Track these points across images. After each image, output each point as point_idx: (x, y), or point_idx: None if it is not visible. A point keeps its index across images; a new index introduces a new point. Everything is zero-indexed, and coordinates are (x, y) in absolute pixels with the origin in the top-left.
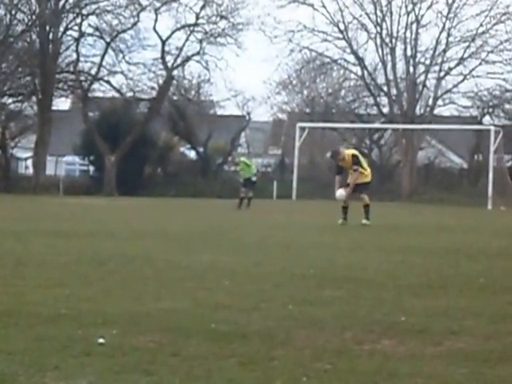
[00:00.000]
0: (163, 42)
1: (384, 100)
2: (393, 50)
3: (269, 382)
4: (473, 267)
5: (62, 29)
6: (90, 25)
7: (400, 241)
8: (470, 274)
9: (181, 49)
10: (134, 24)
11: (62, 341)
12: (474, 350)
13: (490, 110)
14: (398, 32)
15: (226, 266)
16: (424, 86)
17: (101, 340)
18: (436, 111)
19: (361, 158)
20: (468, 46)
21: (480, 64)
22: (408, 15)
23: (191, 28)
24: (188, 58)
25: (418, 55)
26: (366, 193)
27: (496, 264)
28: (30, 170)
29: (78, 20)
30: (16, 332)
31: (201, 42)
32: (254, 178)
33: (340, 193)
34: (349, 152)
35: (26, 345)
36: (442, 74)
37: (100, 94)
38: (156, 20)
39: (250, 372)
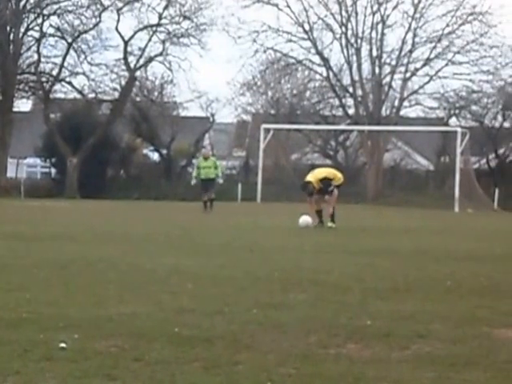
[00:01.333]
0: (125, 43)
1: (350, 101)
2: (358, 50)
3: None
4: (440, 270)
5: (22, 29)
6: (51, 25)
7: (366, 243)
8: (437, 277)
9: (143, 49)
10: (96, 24)
11: (23, 345)
12: (441, 354)
13: (457, 111)
14: (363, 32)
15: (190, 269)
16: (390, 87)
17: (62, 344)
18: (402, 112)
19: (330, 173)
20: (434, 47)
21: (446, 65)
22: (373, 15)
23: (154, 28)
24: (151, 59)
25: (384, 56)
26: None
27: (463, 267)
28: None
29: (39, 20)
30: None
31: (164, 42)
32: (220, 181)
33: (304, 219)
34: (317, 177)
35: None
36: (408, 74)
37: (62, 96)
38: (118, 20)
39: (213, 376)
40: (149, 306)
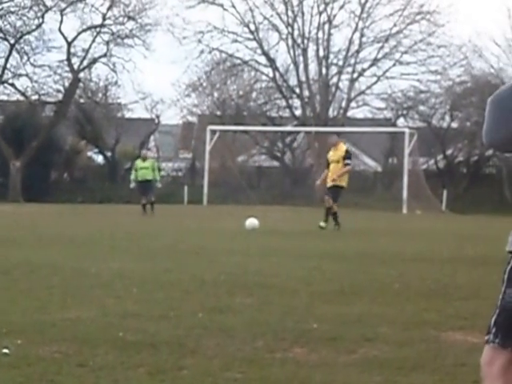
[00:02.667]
0: (69, 44)
1: (296, 102)
2: (305, 50)
3: None
4: (387, 273)
5: None
6: None
7: (313, 246)
8: (385, 280)
9: (87, 50)
10: (39, 25)
11: None
12: (388, 358)
13: (405, 111)
14: (310, 33)
15: (135, 273)
16: (337, 87)
17: (5, 350)
18: (349, 113)
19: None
20: (382, 47)
21: (394, 65)
22: (320, 15)
23: (98, 29)
24: (95, 60)
25: (331, 56)
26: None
27: (411, 269)
28: None
29: None
30: None
31: (108, 43)
32: (158, 185)
33: (251, 222)
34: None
35: None
36: (356, 75)
37: (4, 98)
38: (61, 21)
39: (158, 382)
40: (93, 311)
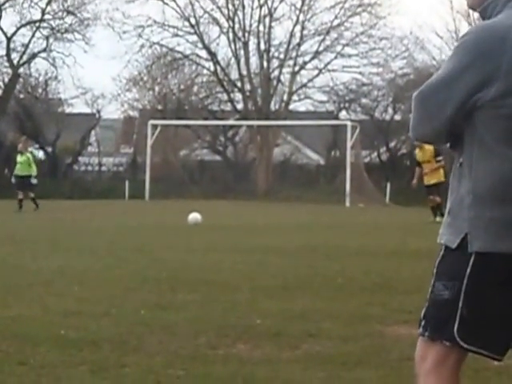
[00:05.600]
0: (8, 39)
1: (238, 96)
2: (246, 44)
3: None
4: (330, 267)
5: None
6: None
7: (256, 241)
8: (328, 275)
9: (26, 46)
10: None
11: None
12: (332, 353)
13: (347, 104)
14: (250, 26)
15: (76, 270)
16: (279, 80)
17: None
18: (291, 106)
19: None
20: (323, 40)
21: (335, 58)
22: (261, 8)
23: (37, 24)
24: (34, 55)
25: (272, 49)
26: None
27: (354, 263)
28: None
29: None
30: None
31: (47, 38)
32: (34, 181)
33: (193, 217)
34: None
35: None
36: (297, 68)
37: None
38: (0, 17)
39: (100, 380)
40: (34, 309)
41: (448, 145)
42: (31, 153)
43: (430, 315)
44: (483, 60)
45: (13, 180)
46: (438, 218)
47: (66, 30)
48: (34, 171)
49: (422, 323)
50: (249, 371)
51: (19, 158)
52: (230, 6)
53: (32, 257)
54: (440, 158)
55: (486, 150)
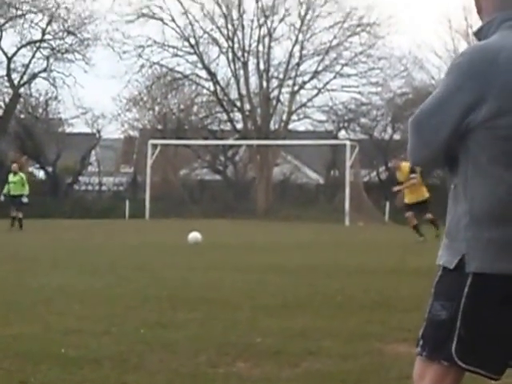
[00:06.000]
0: (9, 60)
1: (238, 116)
2: (245, 64)
3: None
4: (330, 285)
5: None
6: None
7: (256, 260)
8: (328, 293)
9: (27, 66)
10: None
11: None
12: (332, 371)
13: (346, 124)
14: (250, 46)
15: (77, 289)
16: (278, 100)
17: None
18: (291, 126)
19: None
20: (322, 59)
21: (335, 77)
22: (260, 28)
23: (37, 44)
24: (35, 75)
25: (271, 69)
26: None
27: (353, 281)
28: None
29: None
30: None
31: (48, 58)
32: (25, 200)
33: (193, 236)
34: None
35: None
36: (296, 88)
37: None
38: (1, 37)
39: None
40: (35, 327)
41: (446, 168)
42: (29, 172)
43: (428, 335)
44: (474, 81)
45: (2, 198)
46: (420, 238)
47: (67, 50)
48: (26, 191)
49: (420, 343)
50: None
51: (12, 178)
52: (230, 27)
53: (33, 275)
54: (413, 175)
55: (480, 172)
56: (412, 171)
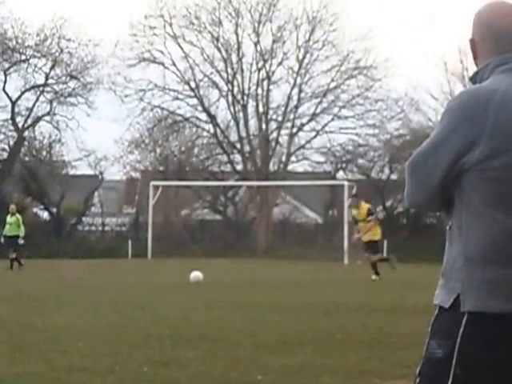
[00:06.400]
0: (13, 103)
1: (237, 157)
2: (245, 107)
3: None
4: (329, 323)
5: None
6: None
7: (256, 298)
8: (327, 330)
9: (31, 109)
10: None
11: None
12: None
13: (344, 165)
14: (249, 89)
15: (80, 327)
16: (277, 142)
17: None
18: (290, 167)
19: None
20: (320, 102)
21: (332, 119)
22: (259, 72)
23: (41, 88)
24: (38, 119)
25: (270, 112)
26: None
27: (353, 319)
28: None
29: None
30: None
31: (51, 102)
32: (20, 241)
33: (195, 275)
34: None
35: None
36: (295, 130)
37: None
38: (5, 81)
39: None
40: (40, 366)
41: (442, 209)
42: (33, 213)
43: (425, 372)
44: (468, 124)
45: (2, 240)
46: (373, 277)
47: (70, 94)
48: (22, 232)
49: (417, 380)
50: None
51: (9, 219)
52: (229, 70)
53: (37, 314)
54: (371, 217)
55: (474, 213)
56: (370, 213)
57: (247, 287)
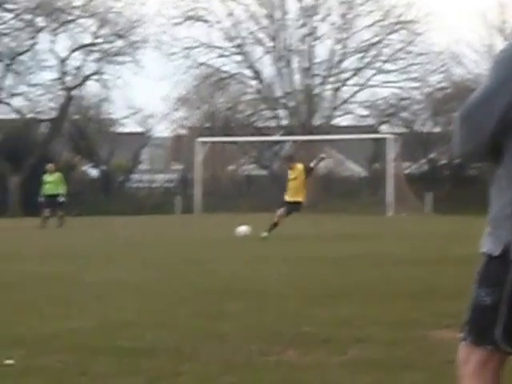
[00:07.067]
0: (61, 63)
1: (282, 112)
2: (289, 62)
3: None
4: (375, 275)
5: None
6: None
7: (303, 251)
8: (373, 282)
9: (79, 69)
10: (32, 46)
11: None
12: (379, 358)
13: (387, 118)
14: (293, 45)
15: (130, 283)
16: (321, 97)
17: (9, 361)
18: (334, 121)
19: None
20: (363, 57)
21: (375, 74)
22: (302, 28)
23: (89, 48)
24: (87, 78)
25: (314, 67)
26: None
27: (398, 270)
28: None
29: None
30: None
31: (99, 61)
32: (62, 199)
33: (241, 229)
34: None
35: None
36: (339, 84)
37: (1, 117)
38: (54, 41)
39: None
40: (93, 321)
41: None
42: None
43: (473, 321)
44: None
45: (41, 199)
46: (264, 233)
47: (117, 53)
48: (63, 190)
49: (465, 328)
50: (299, 377)
51: (49, 178)
52: (273, 27)
53: (89, 271)
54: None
55: None
56: (308, 173)
57: (293, 241)
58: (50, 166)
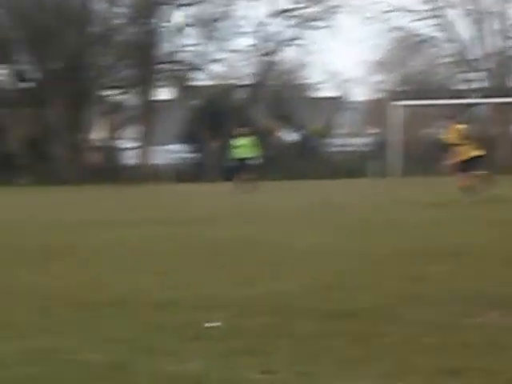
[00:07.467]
0: (259, 29)
1: (477, 75)
2: (483, 25)
3: (380, 359)
4: None
5: (160, 20)
6: (187, 15)
7: (505, 214)
8: None
9: (276, 34)
10: (230, 12)
11: (174, 326)
12: None
13: None
14: (488, 8)
15: (331, 246)
16: None
17: (211, 324)
18: None
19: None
20: None
21: None
22: None
23: (286, 13)
24: (283, 43)
25: (510, 29)
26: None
27: None
28: (133, 160)
29: (177, 11)
30: (126, 320)
31: (296, 26)
32: (255, 161)
33: None
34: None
35: (137, 332)
36: None
37: (200, 83)
38: (251, 7)
39: (360, 349)
40: (292, 284)
41: None
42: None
43: None
44: None
45: (231, 163)
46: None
47: (314, 18)
48: (256, 153)
49: None
50: (505, 339)
51: (241, 141)
52: None
53: (289, 234)
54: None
55: None
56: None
57: (495, 204)
58: (242, 129)
